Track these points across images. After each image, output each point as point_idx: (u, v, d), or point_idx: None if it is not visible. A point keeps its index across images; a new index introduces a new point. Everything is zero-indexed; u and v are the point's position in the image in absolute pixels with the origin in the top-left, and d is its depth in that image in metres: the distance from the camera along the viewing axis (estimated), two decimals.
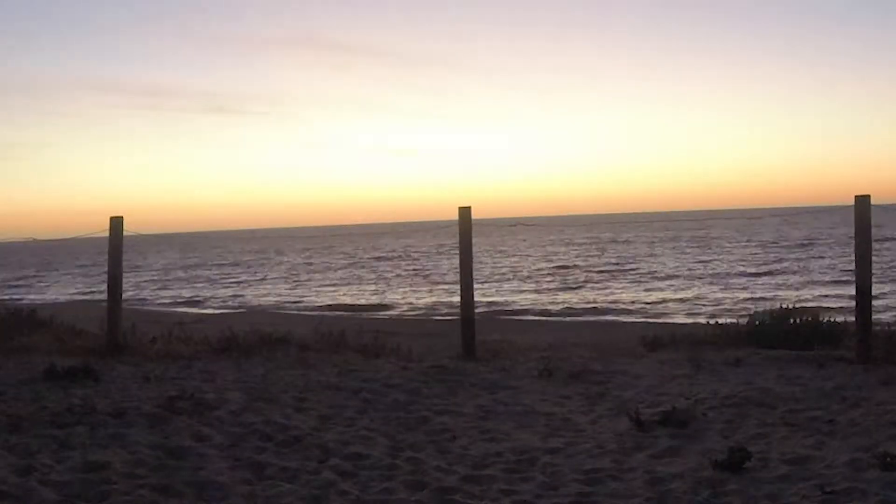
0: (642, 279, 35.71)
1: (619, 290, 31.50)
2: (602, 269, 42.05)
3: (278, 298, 33.62)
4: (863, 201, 8.67)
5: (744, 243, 57.63)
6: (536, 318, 24.11)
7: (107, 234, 10.00)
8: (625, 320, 22.29)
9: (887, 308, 20.33)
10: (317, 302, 31.27)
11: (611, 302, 27.87)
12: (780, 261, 41.98)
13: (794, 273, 35.37)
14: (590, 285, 34.26)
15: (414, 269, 47.23)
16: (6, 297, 32.20)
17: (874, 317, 8.97)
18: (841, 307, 16.47)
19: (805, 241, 56.60)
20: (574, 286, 33.99)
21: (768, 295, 26.63)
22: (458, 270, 9.91)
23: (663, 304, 26.50)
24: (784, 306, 10.63)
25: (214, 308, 30.57)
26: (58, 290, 41.83)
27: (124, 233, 10.01)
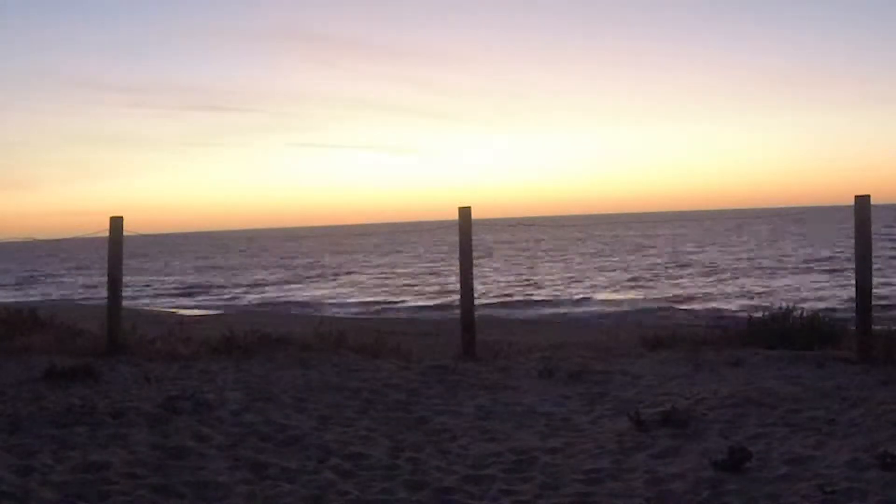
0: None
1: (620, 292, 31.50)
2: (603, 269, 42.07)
3: (277, 297, 33.61)
4: (863, 201, 8.67)
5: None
6: (536, 317, 24.11)
7: (107, 234, 10.01)
8: (624, 320, 22.27)
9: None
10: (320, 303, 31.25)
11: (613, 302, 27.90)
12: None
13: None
14: (591, 287, 34.27)
15: (413, 269, 47.20)
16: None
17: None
18: (840, 307, 16.44)
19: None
20: (574, 287, 34.00)
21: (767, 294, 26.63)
22: (458, 270, 9.91)
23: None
24: (784, 306, 10.60)
25: (214, 308, 30.55)
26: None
27: (124, 233, 10.02)
